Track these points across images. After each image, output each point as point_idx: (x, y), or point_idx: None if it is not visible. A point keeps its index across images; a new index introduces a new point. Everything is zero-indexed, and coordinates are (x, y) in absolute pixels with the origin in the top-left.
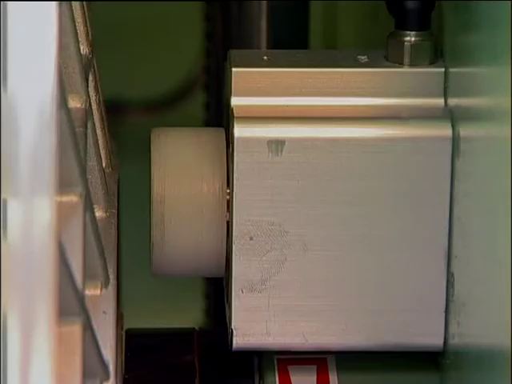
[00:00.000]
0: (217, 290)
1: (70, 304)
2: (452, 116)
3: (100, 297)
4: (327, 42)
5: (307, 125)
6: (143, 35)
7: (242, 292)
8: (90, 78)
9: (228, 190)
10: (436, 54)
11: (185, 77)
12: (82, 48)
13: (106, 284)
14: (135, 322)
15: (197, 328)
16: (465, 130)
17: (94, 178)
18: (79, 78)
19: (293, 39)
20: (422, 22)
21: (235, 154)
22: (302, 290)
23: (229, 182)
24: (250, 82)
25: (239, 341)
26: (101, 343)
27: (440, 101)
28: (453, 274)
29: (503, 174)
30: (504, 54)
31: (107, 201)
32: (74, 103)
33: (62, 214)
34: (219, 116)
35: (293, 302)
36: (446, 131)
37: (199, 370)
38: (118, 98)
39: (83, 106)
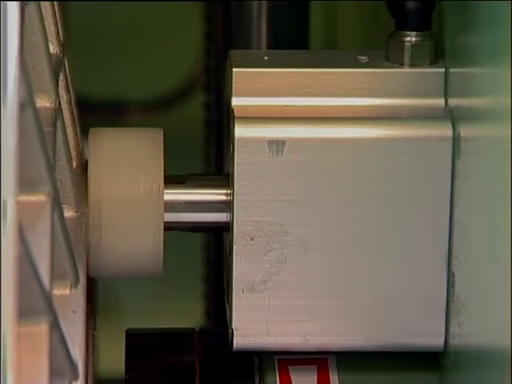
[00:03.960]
0: (217, 290)
1: (37, 303)
2: (452, 116)
3: (69, 296)
4: (327, 42)
5: (308, 125)
6: (143, 35)
7: (243, 292)
8: (61, 77)
9: (165, 191)
10: (436, 54)
11: (185, 77)
12: (52, 48)
13: (75, 284)
14: (135, 322)
15: (197, 328)
16: (465, 130)
17: (64, 177)
18: (48, 78)
19: (293, 39)
20: (423, 22)
21: (236, 155)
22: (303, 290)
23: (230, 182)
24: (250, 82)
25: (240, 341)
26: (70, 343)
27: (440, 101)
28: (453, 274)
29: (503, 174)
30: (504, 54)
31: (77, 201)
32: (43, 102)
33: (30, 214)
34: (219, 116)
35: (293, 302)
36: (446, 131)
37: (199, 369)
38: (118, 98)
39: (52, 106)
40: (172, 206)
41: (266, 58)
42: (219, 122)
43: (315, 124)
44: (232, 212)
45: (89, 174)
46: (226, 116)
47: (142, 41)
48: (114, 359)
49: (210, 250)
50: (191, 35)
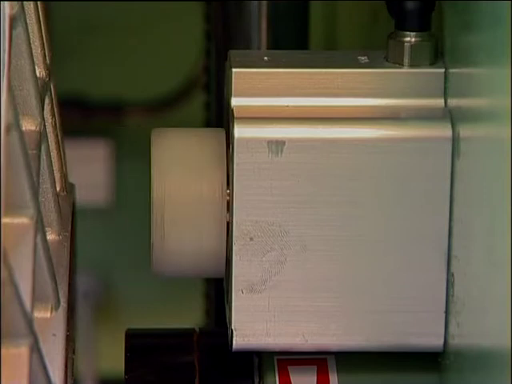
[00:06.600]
0: (217, 290)
1: (18, 326)
2: (452, 116)
3: (50, 319)
4: (327, 42)
5: (307, 125)
6: (143, 35)
7: (242, 292)
8: (47, 101)
9: (228, 191)
10: (436, 54)
11: (185, 77)
12: (38, 71)
13: (56, 307)
14: (135, 322)
15: (197, 328)
16: (465, 131)
17: (48, 200)
18: (34, 101)
19: (293, 39)
20: (422, 22)
21: (235, 155)
22: (302, 291)
23: (229, 182)
24: (250, 82)
25: (239, 341)
26: (49, 366)
27: (440, 101)
28: (453, 275)
29: (503, 174)
30: (504, 54)
31: (60, 224)
32: (29, 126)
33: (13, 236)
34: (219, 116)
35: (293, 303)
36: (446, 132)
37: (199, 370)
38: (118, 98)
39: (37, 129)
40: None
41: (265, 58)
42: (219, 122)
43: (315, 124)
44: (231, 212)
45: (152, 174)
46: (226, 116)
47: (141, 41)
48: (114, 359)
49: None
50: (191, 35)
